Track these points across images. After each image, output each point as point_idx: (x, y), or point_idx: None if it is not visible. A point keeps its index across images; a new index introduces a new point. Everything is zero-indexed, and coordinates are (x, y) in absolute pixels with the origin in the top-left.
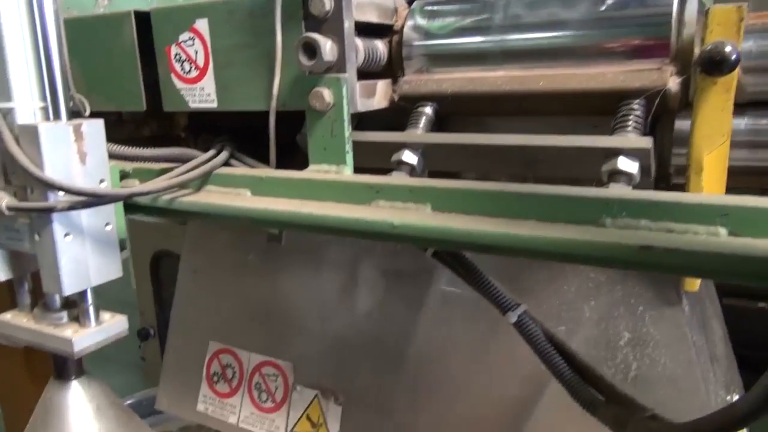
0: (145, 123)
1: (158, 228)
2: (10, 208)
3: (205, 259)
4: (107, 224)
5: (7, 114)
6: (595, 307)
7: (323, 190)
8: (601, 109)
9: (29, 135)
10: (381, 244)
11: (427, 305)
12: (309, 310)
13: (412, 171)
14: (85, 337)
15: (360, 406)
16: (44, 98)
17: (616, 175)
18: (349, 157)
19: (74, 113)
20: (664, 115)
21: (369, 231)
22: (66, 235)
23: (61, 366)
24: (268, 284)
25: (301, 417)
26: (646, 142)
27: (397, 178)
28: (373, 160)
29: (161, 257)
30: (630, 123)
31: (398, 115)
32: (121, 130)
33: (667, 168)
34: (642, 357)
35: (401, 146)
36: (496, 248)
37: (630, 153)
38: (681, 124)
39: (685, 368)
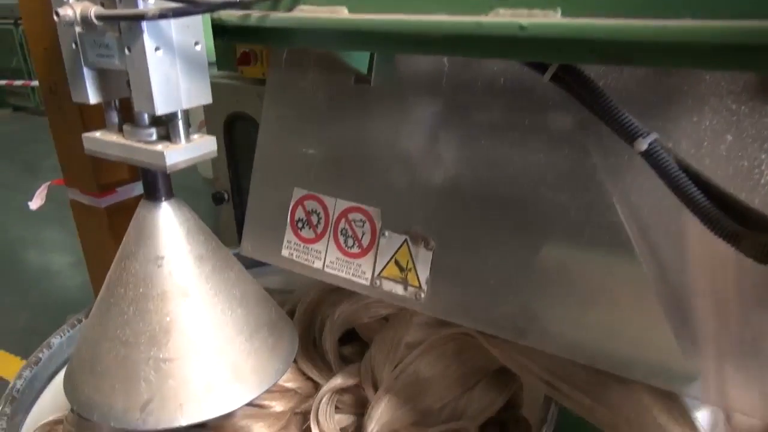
0: None
1: (233, 90)
2: (98, 17)
3: (289, 104)
4: (197, 43)
5: None
6: (732, 142)
7: (432, 2)
8: None
9: None
10: (479, 85)
11: (520, 155)
12: (397, 155)
13: None
14: (176, 152)
15: (451, 251)
16: None
17: None
18: None
19: None
20: None
21: (492, 36)
22: (157, 49)
23: (152, 186)
24: (355, 129)
25: (389, 262)
26: None
27: None
28: None
29: (235, 120)
30: None
31: None
32: None
33: None
34: None
35: None
36: (649, 47)
37: None
38: None
39: None
